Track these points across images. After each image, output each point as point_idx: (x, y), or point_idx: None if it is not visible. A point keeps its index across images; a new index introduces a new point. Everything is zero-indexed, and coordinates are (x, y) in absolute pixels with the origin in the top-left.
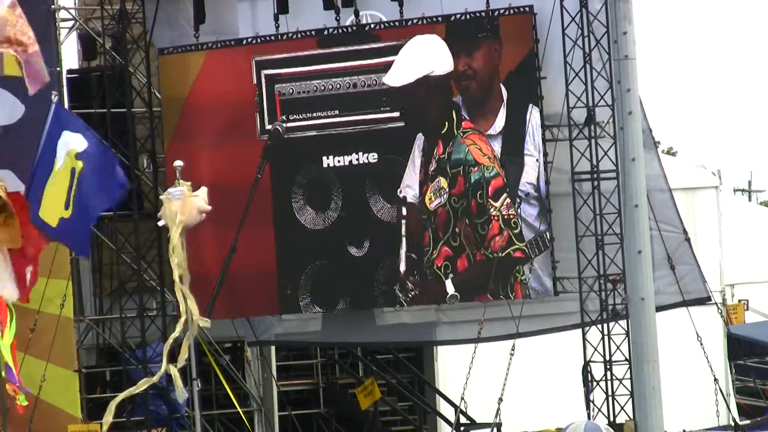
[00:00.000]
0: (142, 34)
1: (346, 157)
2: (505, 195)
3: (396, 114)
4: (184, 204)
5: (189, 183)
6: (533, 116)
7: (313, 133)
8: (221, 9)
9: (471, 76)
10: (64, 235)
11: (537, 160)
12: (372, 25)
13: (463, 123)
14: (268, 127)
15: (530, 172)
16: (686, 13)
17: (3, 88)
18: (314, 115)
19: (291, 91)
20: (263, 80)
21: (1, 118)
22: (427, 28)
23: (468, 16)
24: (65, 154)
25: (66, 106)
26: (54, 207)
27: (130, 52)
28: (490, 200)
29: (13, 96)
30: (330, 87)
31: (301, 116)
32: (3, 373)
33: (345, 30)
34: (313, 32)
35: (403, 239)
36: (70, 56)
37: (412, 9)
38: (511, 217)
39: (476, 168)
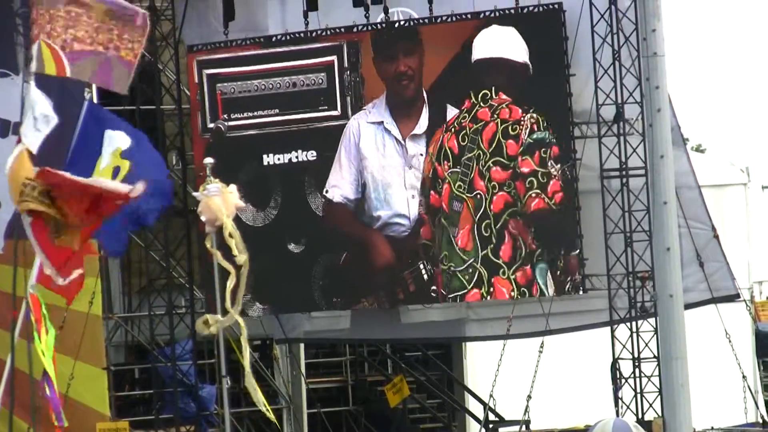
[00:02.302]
0: (172, 31)
1: (285, 155)
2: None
3: (334, 112)
4: (224, 199)
5: (218, 180)
6: None
7: (254, 131)
8: (251, 6)
9: (410, 76)
10: (100, 233)
11: None
12: (404, 22)
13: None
14: (210, 125)
15: None
16: (715, 10)
17: (36, 86)
18: (255, 114)
19: (232, 90)
20: (205, 79)
21: None
22: (355, 35)
23: (497, 14)
24: (110, 153)
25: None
26: None
27: (159, 49)
28: None
29: (44, 95)
30: (270, 86)
31: (242, 115)
32: (45, 392)
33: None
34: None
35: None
36: None
37: (442, 6)
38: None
39: None
